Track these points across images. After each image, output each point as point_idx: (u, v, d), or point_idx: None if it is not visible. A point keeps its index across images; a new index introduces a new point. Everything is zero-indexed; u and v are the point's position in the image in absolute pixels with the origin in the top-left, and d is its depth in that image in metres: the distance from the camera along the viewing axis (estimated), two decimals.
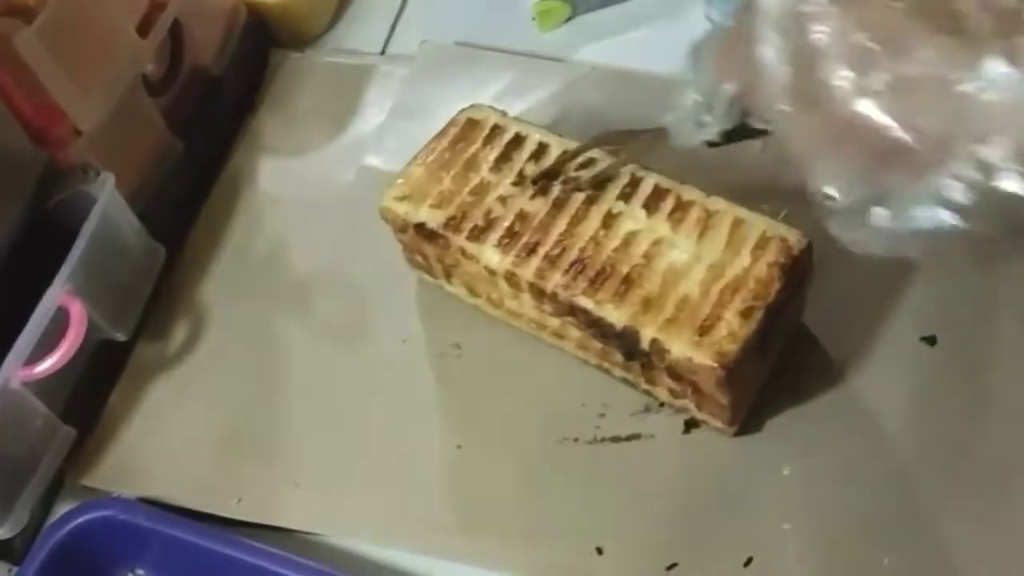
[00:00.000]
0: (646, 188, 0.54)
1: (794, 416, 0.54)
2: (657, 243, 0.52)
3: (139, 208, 0.60)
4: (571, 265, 0.52)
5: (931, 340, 0.55)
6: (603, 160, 0.55)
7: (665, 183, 0.53)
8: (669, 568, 0.51)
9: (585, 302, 0.51)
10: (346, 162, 0.68)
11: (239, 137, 0.70)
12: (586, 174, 0.54)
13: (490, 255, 0.53)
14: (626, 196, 0.53)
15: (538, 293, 0.53)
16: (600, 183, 0.54)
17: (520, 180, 0.55)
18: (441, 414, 0.58)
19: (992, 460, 0.51)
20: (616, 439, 0.55)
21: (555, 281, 0.52)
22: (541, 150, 0.56)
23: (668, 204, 0.53)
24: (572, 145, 0.56)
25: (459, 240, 0.54)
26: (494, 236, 0.54)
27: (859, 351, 0.55)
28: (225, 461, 0.57)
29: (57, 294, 0.52)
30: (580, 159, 0.55)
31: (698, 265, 0.51)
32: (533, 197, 0.54)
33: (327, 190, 0.67)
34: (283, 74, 0.73)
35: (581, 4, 0.74)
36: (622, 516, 0.52)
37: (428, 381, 0.58)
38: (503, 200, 0.55)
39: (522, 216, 0.54)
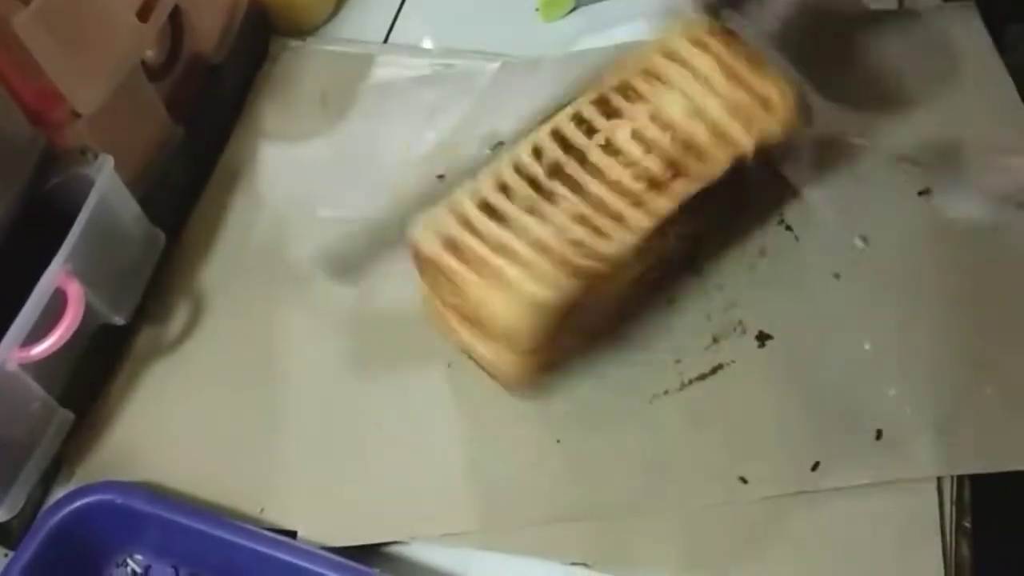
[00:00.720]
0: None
1: None
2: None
3: (139, 193, 0.60)
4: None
5: None
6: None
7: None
8: (814, 468, 0.52)
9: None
10: (346, 149, 0.68)
11: (239, 124, 0.70)
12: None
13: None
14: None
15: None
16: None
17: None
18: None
19: None
20: (702, 376, 0.55)
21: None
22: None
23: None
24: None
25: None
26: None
27: None
28: (223, 447, 0.57)
29: (55, 274, 0.52)
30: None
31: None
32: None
33: (327, 176, 0.67)
34: (284, 62, 0.73)
35: None
36: (745, 441, 0.53)
37: (440, 365, 0.58)
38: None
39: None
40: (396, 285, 0.61)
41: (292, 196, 0.66)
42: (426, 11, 0.77)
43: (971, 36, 0.66)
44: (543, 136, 0.54)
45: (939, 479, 0.51)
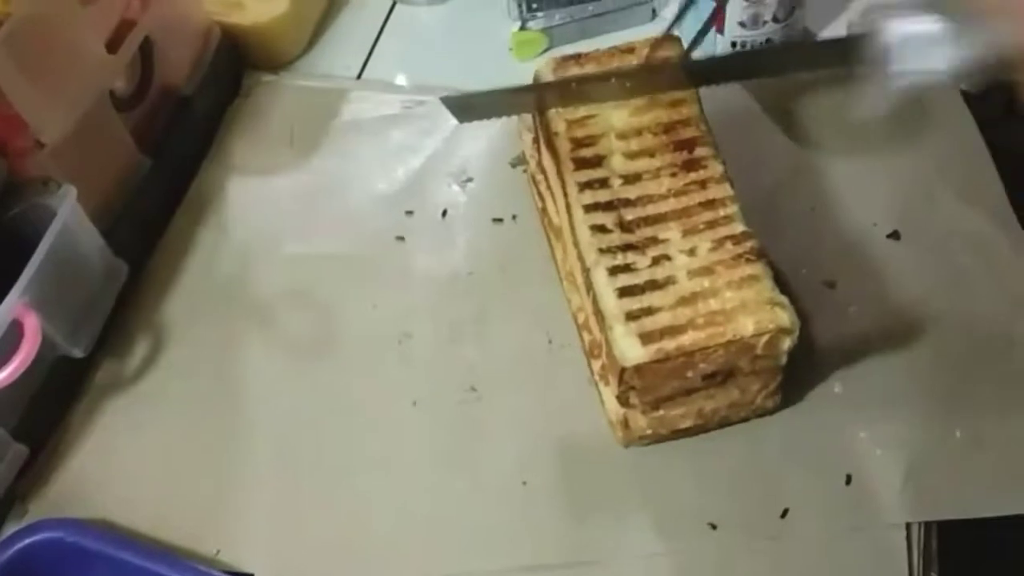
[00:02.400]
0: None
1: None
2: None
3: (103, 224, 0.59)
4: None
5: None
6: None
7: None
8: (783, 515, 0.51)
9: None
10: (313, 185, 0.67)
11: (208, 157, 0.69)
12: None
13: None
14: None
15: None
16: None
17: None
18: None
19: None
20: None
21: None
22: None
23: None
24: None
25: None
26: None
27: None
28: (180, 485, 0.55)
29: (12, 306, 0.51)
30: None
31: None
32: None
33: (294, 212, 0.66)
34: (255, 96, 0.72)
35: (559, 35, 0.74)
36: (715, 486, 0.52)
37: (405, 403, 0.57)
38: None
39: None
40: (357, 312, 0.61)
41: (258, 231, 0.65)
42: (400, 48, 0.77)
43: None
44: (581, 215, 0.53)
45: (908, 527, 0.51)
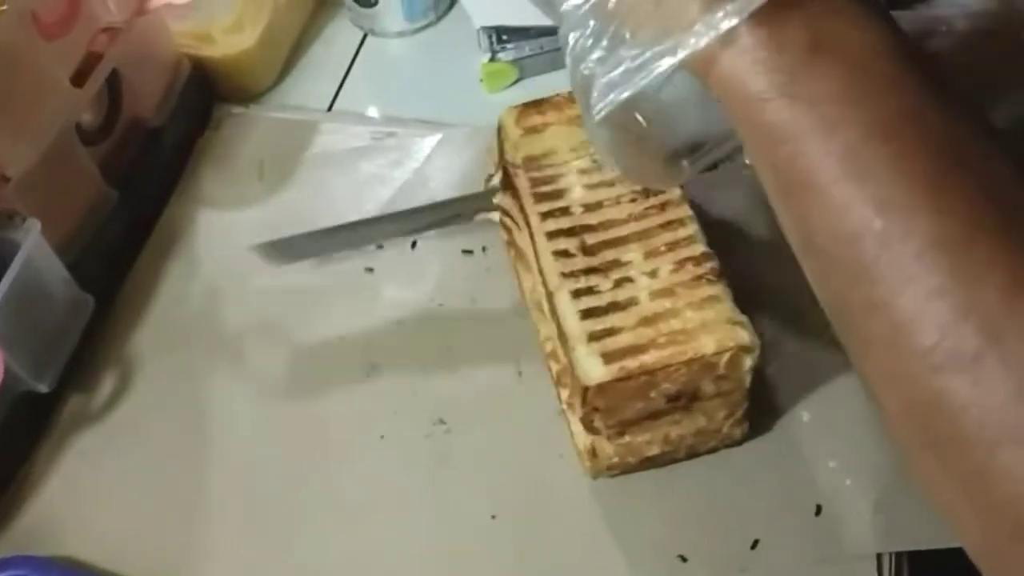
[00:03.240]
0: None
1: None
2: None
3: (71, 257, 0.59)
4: None
5: None
6: None
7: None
8: (753, 547, 0.51)
9: None
10: (282, 218, 0.67)
11: (177, 189, 0.69)
12: None
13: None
14: None
15: None
16: None
17: None
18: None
19: None
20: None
21: None
22: None
23: None
24: None
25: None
26: None
27: None
28: (147, 522, 0.55)
29: None
30: None
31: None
32: None
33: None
34: (225, 128, 0.72)
35: (529, 67, 0.74)
36: (685, 518, 0.52)
37: (372, 435, 0.57)
38: None
39: None
40: (325, 344, 0.60)
41: (227, 264, 0.65)
42: (371, 80, 0.77)
43: None
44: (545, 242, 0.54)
45: (879, 558, 0.50)
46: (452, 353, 0.59)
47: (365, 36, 0.79)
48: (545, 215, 0.54)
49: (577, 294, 0.51)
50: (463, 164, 0.68)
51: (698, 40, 0.33)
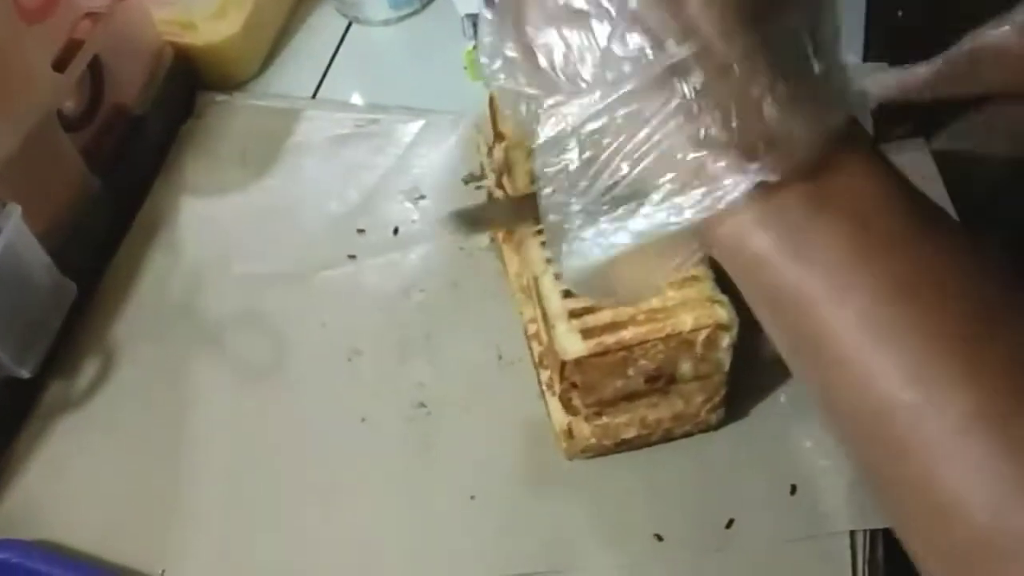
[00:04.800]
0: None
1: None
2: None
3: (53, 244, 0.59)
4: None
5: None
6: None
7: None
8: (728, 526, 0.51)
9: None
10: (264, 205, 0.67)
11: (160, 177, 0.69)
12: None
13: None
14: None
15: None
16: None
17: None
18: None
19: None
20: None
21: None
22: None
23: None
24: None
25: None
26: None
27: None
28: (127, 506, 0.55)
29: None
30: None
31: None
32: None
33: (246, 232, 0.66)
34: (208, 116, 0.72)
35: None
36: (661, 498, 0.52)
37: (353, 419, 0.57)
38: None
39: None
40: (307, 331, 0.61)
41: (210, 251, 0.65)
42: (355, 68, 0.77)
43: (922, 173, 0.64)
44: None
45: (852, 535, 0.51)
46: (433, 338, 0.60)
47: (350, 24, 0.80)
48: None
49: (560, 275, 0.51)
50: (446, 150, 0.68)
51: (697, 212, 0.31)
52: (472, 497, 0.53)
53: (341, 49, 0.78)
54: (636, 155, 0.32)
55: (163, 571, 0.52)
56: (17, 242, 0.55)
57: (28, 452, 0.57)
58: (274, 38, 0.78)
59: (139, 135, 0.68)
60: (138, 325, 0.62)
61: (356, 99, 0.75)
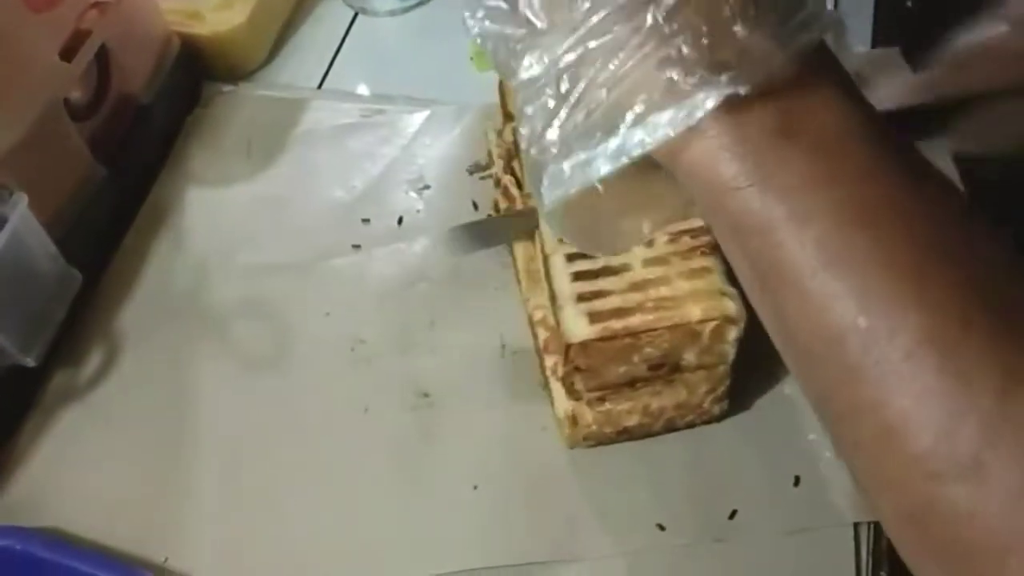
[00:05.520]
0: None
1: None
2: None
3: (58, 233, 0.59)
4: None
5: None
6: None
7: None
8: (731, 517, 0.51)
9: None
10: (269, 194, 0.67)
11: (166, 166, 0.69)
12: None
13: None
14: None
15: None
16: None
17: None
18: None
19: None
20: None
21: None
22: None
23: None
24: None
25: None
26: None
27: None
28: (131, 494, 0.55)
29: None
30: None
31: None
32: None
33: (251, 222, 0.66)
34: (214, 106, 0.72)
35: None
36: (664, 488, 0.53)
37: (357, 411, 0.57)
38: None
39: None
40: (311, 320, 0.61)
41: (214, 241, 0.65)
42: (361, 59, 0.77)
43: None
44: None
45: (856, 526, 0.51)
46: (437, 327, 0.60)
47: (356, 15, 0.80)
48: None
49: (572, 257, 0.51)
50: (451, 140, 0.68)
51: (668, 129, 0.31)
52: (475, 486, 0.53)
53: (347, 40, 0.78)
54: (612, 82, 0.32)
55: (166, 558, 0.52)
56: (23, 230, 0.55)
57: (33, 440, 0.57)
58: (280, 28, 0.78)
59: (145, 125, 0.68)
60: (143, 314, 0.62)
61: (362, 89, 0.75)
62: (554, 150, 0.34)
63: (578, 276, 0.50)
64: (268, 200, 0.67)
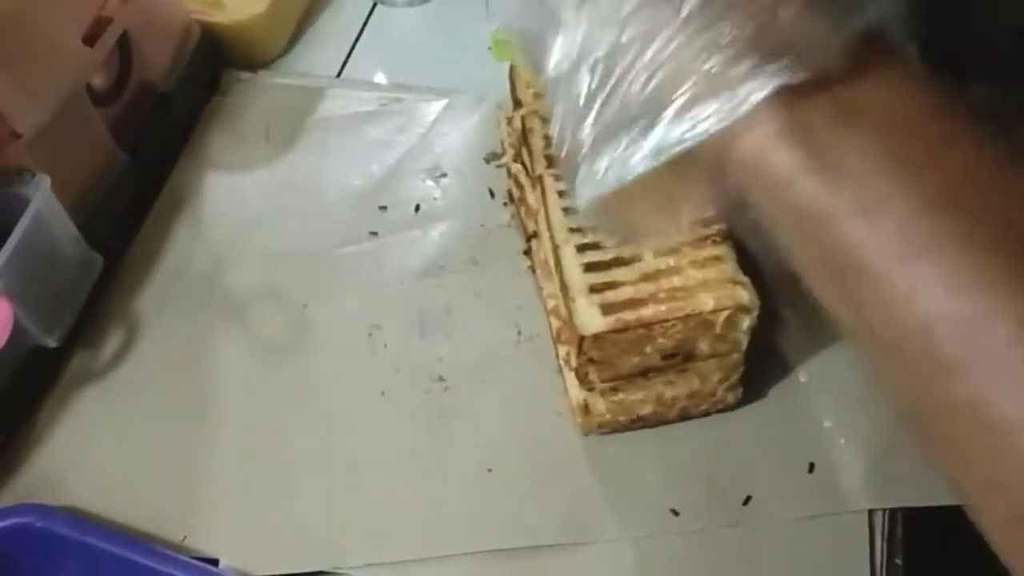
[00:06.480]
0: None
1: None
2: None
3: (80, 217, 0.60)
4: None
5: None
6: None
7: None
8: (745, 503, 0.51)
9: None
10: (287, 181, 0.68)
11: (185, 153, 0.70)
12: None
13: None
14: None
15: None
16: None
17: None
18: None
19: None
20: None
21: None
22: None
23: None
24: None
25: None
26: None
27: None
28: (149, 474, 0.56)
29: None
30: None
31: None
32: None
33: (269, 208, 0.67)
34: (233, 94, 0.73)
35: None
36: (678, 473, 0.53)
37: (374, 393, 0.57)
38: None
39: None
40: (328, 305, 0.61)
41: (233, 226, 0.66)
42: (380, 48, 0.77)
43: None
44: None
45: (871, 514, 0.51)
46: (453, 313, 0.60)
47: (375, 5, 0.80)
48: (558, 176, 0.54)
49: (583, 248, 0.51)
50: (468, 129, 0.69)
51: (713, 122, 0.29)
52: (489, 469, 0.54)
53: (365, 30, 0.79)
54: (648, 73, 0.30)
55: (184, 537, 0.53)
56: (46, 212, 0.56)
57: (53, 420, 0.58)
58: (299, 18, 0.78)
59: (165, 111, 0.69)
60: (162, 297, 0.63)
61: (380, 79, 0.75)
62: (588, 145, 0.32)
63: (589, 267, 0.50)
64: (286, 186, 0.67)
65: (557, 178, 0.55)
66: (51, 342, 0.58)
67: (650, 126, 0.30)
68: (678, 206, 0.36)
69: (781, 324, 0.57)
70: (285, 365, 0.59)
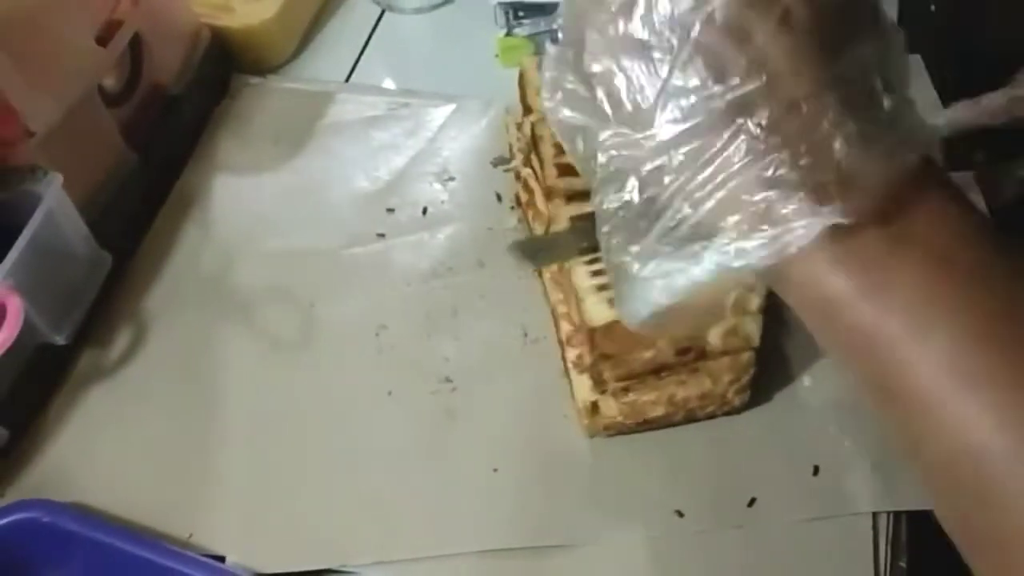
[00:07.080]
0: None
1: None
2: None
3: (90, 215, 0.60)
4: None
5: None
6: None
7: None
8: (750, 504, 0.52)
9: None
10: (296, 184, 0.68)
11: (195, 155, 0.70)
12: None
13: None
14: None
15: None
16: None
17: None
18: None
19: None
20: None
21: None
22: None
23: None
24: None
25: None
26: None
27: None
28: (156, 471, 0.56)
29: None
30: None
31: None
32: None
33: (277, 209, 0.67)
34: (242, 98, 0.74)
35: (544, 41, 0.75)
36: (683, 475, 0.53)
37: (380, 392, 0.58)
38: None
39: None
40: (336, 306, 0.61)
41: (241, 228, 0.66)
42: (388, 55, 0.78)
43: None
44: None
45: (875, 517, 0.51)
46: (460, 315, 0.60)
47: (383, 12, 0.81)
48: (569, 187, 0.55)
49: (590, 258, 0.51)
50: (476, 134, 0.69)
51: (765, 254, 0.29)
52: (495, 470, 0.54)
53: (374, 36, 0.79)
54: (699, 195, 0.30)
55: (191, 534, 0.53)
56: (57, 210, 0.56)
57: (61, 417, 0.58)
58: (308, 23, 0.79)
59: (175, 114, 0.69)
60: (171, 297, 0.63)
61: (388, 84, 0.76)
62: (638, 264, 0.33)
63: (597, 273, 0.50)
64: (294, 188, 0.68)
65: (569, 197, 0.54)
66: (60, 339, 0.58)
67: (699, 252, 0.31)
68: (725, 303, 0.37)
69: (786, 329, 0.57)
70: (292, 364, 0.60)
